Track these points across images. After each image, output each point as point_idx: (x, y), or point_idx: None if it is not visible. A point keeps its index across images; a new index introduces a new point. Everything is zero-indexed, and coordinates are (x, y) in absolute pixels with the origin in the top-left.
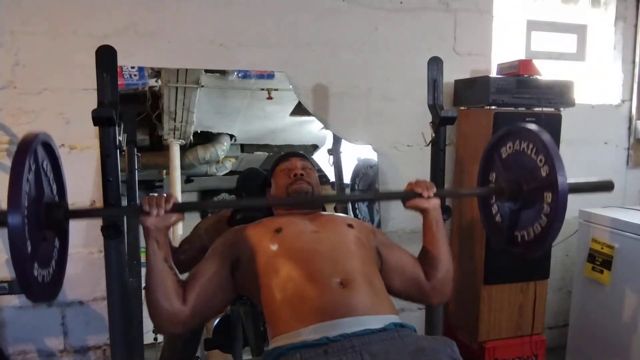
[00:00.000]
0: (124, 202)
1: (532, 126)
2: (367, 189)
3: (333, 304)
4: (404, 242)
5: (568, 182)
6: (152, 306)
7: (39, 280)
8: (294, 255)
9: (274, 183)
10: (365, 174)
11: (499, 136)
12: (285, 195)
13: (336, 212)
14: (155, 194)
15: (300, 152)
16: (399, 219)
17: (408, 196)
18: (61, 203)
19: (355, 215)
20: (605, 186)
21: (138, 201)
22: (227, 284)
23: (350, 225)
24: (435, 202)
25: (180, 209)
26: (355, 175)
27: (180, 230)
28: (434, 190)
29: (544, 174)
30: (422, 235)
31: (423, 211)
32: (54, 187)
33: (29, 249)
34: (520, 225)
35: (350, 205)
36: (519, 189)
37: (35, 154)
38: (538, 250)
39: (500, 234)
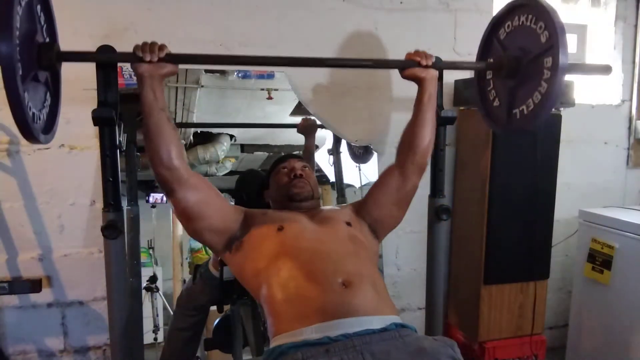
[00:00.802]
0: (124, 202)
1: None
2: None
3: (334, 304)
4: (403, 242)
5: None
6: (150, 152)
7: (31, 115)
8: (295, 255)
9: (273, 183)
10: None
11: (499, 16)
12: (286, 195)
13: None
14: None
15: (299, 153)
16: None
17: (406, 65)
18: (53, 44)
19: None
20: (603, 69)
21: (138, 201)
22: (224, 221)
23: (348, 223)
24: (432, 73)
25: (173, 59)
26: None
27: (180, 230)
28: (433, 59)
29: (544, 39)
30: (413, 105)
31: (419, 81)
32: (46, 29)
33: (20, 73)
34: (519, 101)
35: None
36: (517, 62)
37: None
38: (538, 119)
39: (500, 117)
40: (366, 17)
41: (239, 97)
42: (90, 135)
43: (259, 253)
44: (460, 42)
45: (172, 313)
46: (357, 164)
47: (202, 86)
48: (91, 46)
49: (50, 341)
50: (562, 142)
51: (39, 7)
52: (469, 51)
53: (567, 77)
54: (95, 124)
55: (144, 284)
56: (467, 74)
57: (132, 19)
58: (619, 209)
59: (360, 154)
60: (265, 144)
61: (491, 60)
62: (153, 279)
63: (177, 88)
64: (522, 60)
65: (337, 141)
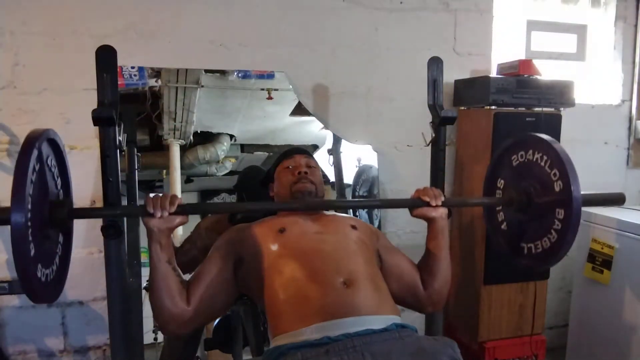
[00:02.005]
0: (124, 202)
1: (547, 137)
2: (369, 195)
3: (335, 303)
4: (403, 242)
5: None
6: (156, 307)
7: (42, 280)
8: (297, 255)
9: (277, 180)
10: (366, 180)
11: (512, 143)
12: (289, 194)
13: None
14: (160, 194)
15: (304, 149)
16: (399, 218)
17: (415, 205)
18: (65, 201)
19: (356, 215)
20: (616, 199)
21: (138, 201)
22: (229, 284)
23: (353, 227)
24: (442, 211)
25: (185, 211)
26: (358, 178)
27: (180, 230)
28: (442, 199)
29: (557, 188)
30: (425, 241)
31: (430, 220)
32: (59, 183)
33: (32, 249)
34: (528, 237)
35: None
36: (528, 200)
37: (40, 152)
38: (547, 265)
39: (507, 244)
40: (366, 17)
41: (239, 97)
42: (90, 135)
43: (260, 256)
44: (460, 42)
45: None
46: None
47: (202, 86)
48: (91, 46)
49: (50, 341)
50: (562, 142)
51: (52, 160)
52: (469, 51)
53: (567, 77)
54: (95, 124)
55: (144, 284)
56: (468, 74)
57: (132, 19)
58: (619, 209)
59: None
60: (265, 144)
61: (502, 181)
62: None
63: (177, 88)
64: (533, 199)
65: (337, 141)
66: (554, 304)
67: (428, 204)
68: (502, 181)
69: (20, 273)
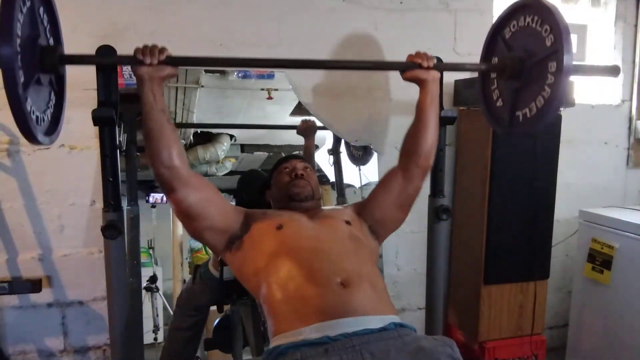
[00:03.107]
0: (124, 202)
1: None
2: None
3: (334, 303)
4: (403, 242)
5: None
6: (151, 154)
7: (33, 117)
8: (294, 254)
9: (274, 184)
10: None
11: (504, 15)
12: (286, 194)
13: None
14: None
15: (300, 153)
16: None
17: (407, 67)
18: (56, 47)
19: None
20: (611, 70)
21: (138, 201)
22: (224, 221)
23: (347, 222)
24: (434, 74)
25: (174, 61)
26: None
27: (180, 230)
28: (434, 61)
29: (549, 43)
30: (416, 106)
31: (421, 82)
32: (49, 32)
33: (22, 78)
34: (522, 104)
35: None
36: (521, 64)
37: None
38: (542, 122)
39: (503, 118)
40: (366, 17)
41: (239, 97)
42: (90, 135)
43: (259, 251)
44: (460, 42)
45: (172, 313)
46: (357, 166)
47: (202, 86)
48: (91, 46)
49: (50, 341)
50: (562, 142)
51: (42, 9)
52: (469, 51)
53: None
54: (95, 124)
55: (144, 284)
56: (468, 74)
57: (132, 19)
58: (619, 209)
59: (360, 156)
60: (265, 144)
61: (495, 59)
62: (153, 279)
63: (177, 88)
64: (526, 62)
65: (337, 141)
66: (554, 304)
67: (420, 66)
68: (496, 58)
69: (14, 113)
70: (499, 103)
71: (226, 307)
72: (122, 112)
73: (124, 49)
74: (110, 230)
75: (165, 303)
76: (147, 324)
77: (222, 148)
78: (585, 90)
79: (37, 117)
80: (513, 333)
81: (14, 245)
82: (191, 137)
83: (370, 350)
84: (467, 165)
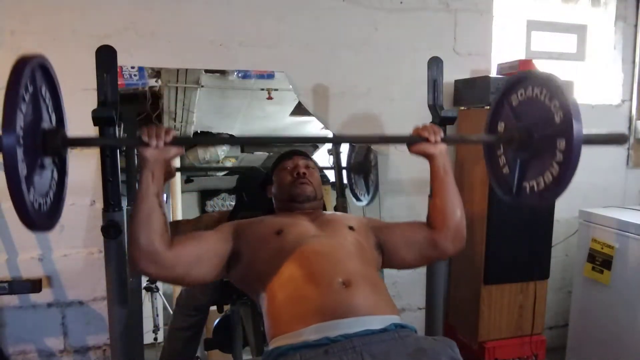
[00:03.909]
0: (124, 202)
1: (546, 72)
2: (365, 177)
3: (334, 304)
4: None
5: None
6: (132, 239)
7: (35, 207)
8: (295, 257)
9: (275, 181)
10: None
11: (512, 82)
12: (288, 195)
13: (337, 211)
14: (154, 125)
15: (302, 150)
16: (399, 218)
17: (414, 140)
18: (59, 130)
19: (353, 191)
20: (617, 139)
21: None
22: (218, 260)
23: (351, 228)
24: (442, 148)
25: (180, 142)
26: (350, 154)
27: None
28: (441, 134)
29: (557, 119)
30: (430, 183)
31: (429, 157)
32: (53, 114)
33: (24, 170)
34: (530, 175)
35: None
36: (529, 136)
37: (33, 76)
38: (549, 199)
39: (509, 187)
40: (366, 17)
41: (239, 97)
42: (90, 135)
43: (258, 258)
44: (460, 42)
45: (172, 313)
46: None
47: (202, 86)
48: (91, 46)
49: (50, 341)
50: None
51: (44, 89)
52: (469, 51)
53: (567, 77)
54: (95, 124)
55: (144, 284)
56: (468, 74)
57: (132, 19)
58: (619, 209)
59: (363, 195)
60: (264, 143)
61: (502, 124)
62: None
63: (177, 88)
64: (534, 135)
65: None
66: (554, 304)
67: (427, 140)
68: (503, 124)
69: (14, 198)
70: (506, 170)
71: (226, 307)
72: (122, 112)
73: (124, 49)
74: (110, 230)
75: (165, 303)
76: (147, 324)
77: (222, 148)
78: (585, 90)
79: (39, 204)
80: (513, 333)
81: (14, 245)
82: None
83: (371, 351)
84: (467, 165)
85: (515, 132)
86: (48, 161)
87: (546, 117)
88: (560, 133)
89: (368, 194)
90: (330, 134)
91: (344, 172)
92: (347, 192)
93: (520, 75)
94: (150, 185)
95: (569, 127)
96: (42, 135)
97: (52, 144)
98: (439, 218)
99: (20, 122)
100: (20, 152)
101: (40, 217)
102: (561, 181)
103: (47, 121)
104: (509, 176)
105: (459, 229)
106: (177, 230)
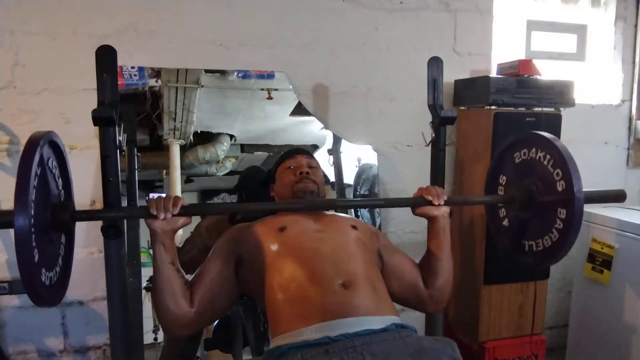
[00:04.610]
0: (124, 202)
1: (550, 136)
2: (370, 194)
3: (335, 304)
4: (403, 242)
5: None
6: (159, 309)
7: (46, 284)
8: (296, 255)
9: (278, 180)
10: (367, 179)
11: (514, 140)
12: (291, 193)
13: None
14: (163, 195)
15: (306, 149)
16: (400, 218)
17: (418, 203)
18: (68, 204)
19: (357, 216)
20: (617, 196)
21: (138, 201)
22: (231, 283)
23: (353, 227)
24: (444, 210)
25: (188, 212)
26: (358, 178)
27: (180, 231)
28: (445, 198)
29: (559, 188)
30: (427, 240)
31: (431, 218)
32: (61, 185)
33: (36, 254)
34: (530, 234)
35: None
36: (530, 199)
37: (42, 155)
38: (548, 263)
39: (508, 241)
40: (366, 17)
41: (239, 97)
42: (90, 135)
43: (260, 256)
44: (460, 42)
45: None
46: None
47: (202, 86)
48: (91, 46)
49: (50, 341)
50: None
51: (52, 162)
52: (469, 51)
53: (567, 77)
54: (95, 124)
55: (144, 284)
56: (468, 74)
57: (132, 19)
58: (618, 209)
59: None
60: (265, 143)
61: (504, 177)
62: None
63: (177, 88)
64: (535, 198)
65: (337, 141)
66: (554, 304)
67: (430, 203)
68: (504, 177)
69: (24, 278)
70: (505, 223)
71: None
72: (122, 112)
73: (124, 49)
74: (110, 230)
75: None
76: (147, 324)
77: (222, 148)
78: (585, 90)
79: (49, 279)
80: (513, 333)
81: (14, 245)
82: (191, 137)
83: (371, 350)
84: (467, 165)
85: (516, 192)
86: (57, 235)
87: (548, 181)
88: (561, 203)
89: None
90: (330, 134)
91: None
92: (349, 191)
93: (524, 136)
94: (164, 257)
95: (571, 200)
96: (51, 210)
97: (61, 220)
98: (429, 277)
99: (31, 207)
100: (32, 237)
101: (49, 293)
102: (560, 248)
103: (55, 192)
104: (508, 230)
105: (443, 292)
106: (181, 257)
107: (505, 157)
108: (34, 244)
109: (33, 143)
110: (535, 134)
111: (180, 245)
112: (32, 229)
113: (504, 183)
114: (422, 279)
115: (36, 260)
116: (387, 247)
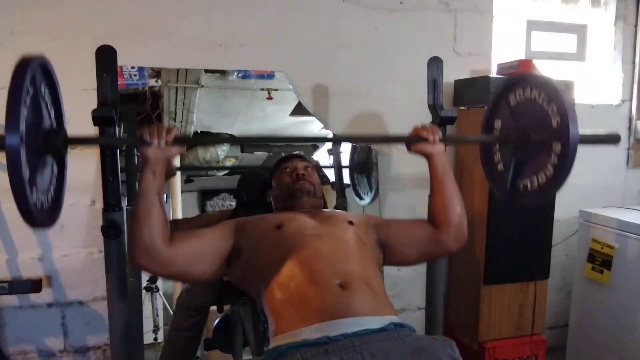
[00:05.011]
0: (124, 202)
1: (545, 76)
2: (368, 176)
3: (333, 304)
4: None
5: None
6: (132, 237)
7: (37, 205)
8: (295, 253)
9: (275, 183)
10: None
11: (510, 82)
12: (288, 194)
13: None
14: (156, 124)
15: (301, 153)
16: (398, 209)
17: (412, 140)
18: (60, 130)
19: (356, 190)
20: (611, 138)
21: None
22: (215, 260)
23: (350, 222)
24: (440, 148)
25: (181, 141)
26: (353, 153)
27: None
28: (440, 134)
29: (554, 124)
30: (430, 181)
31: (428, 156)
32: (53, 113)
33: (27, 171)
34: (524, 174)
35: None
36: (526, 138)
37: (34, 77)
38: (542, 199)
39: (503, 183)
40: (366, 17)
41: (239, 97)
42: (90, 135)
43: (258, 253)
44: (460, 42)
45: (172, 313)
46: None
47: (202, 86)
48: (91, 46)
49: (50, 341)
50: None
51: (44, 89)
52: (469, 51)
53: (567, 77)
54: (95, 124)
55: (144, 284)
56: (468, 74)
57: (132, 19)
58: (619, 209)
59: (367, 194)
60: (265, 144)
61: (499, 121)
62: (153, 279)
63: (177, 88)
64: (530, 136)
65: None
66: (554, 304)
67: (425, 140)
68: (499, 121)
69: (16, 195)
70: (500, 167)
71: (226, 307)
72: (122, 112)
73: (124, 49)
74: (110, 230)
75: (165, 303)
76: (147, 324)
77: (222, 148)
78: (585, 90)
79: (41, 202)
80: (513, 333)
81: (14, 245)
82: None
83: (371, 350)
84: (467, 165)
85: (512, 132)
86: (49, 159)
87: (543, 119)
88: (556, 137)
89: (370, 192)
90: (330, 134)
91: (347, 171)
92: (349, 191)
93: (519, 77)
94: (151, 184)
95: (565, 132)
96: (43, 135)
97: (53, 144)
98: (440, 215)
99: (22, 124)
100: (23, 154)
101: (42, 215)
102: (555, 183)
103: (48, 120)
104: (503, 173)
105: (460, 225)
106: (177, 229)
107: (500, 101)
108: (24, 160)
109: (24, 63)
110: (530, 74)
111: (176, 219)
112: (24, 148)
113: (499, 128)
114: (436, 223)
115: (28, 181)
116: (382, 224)
